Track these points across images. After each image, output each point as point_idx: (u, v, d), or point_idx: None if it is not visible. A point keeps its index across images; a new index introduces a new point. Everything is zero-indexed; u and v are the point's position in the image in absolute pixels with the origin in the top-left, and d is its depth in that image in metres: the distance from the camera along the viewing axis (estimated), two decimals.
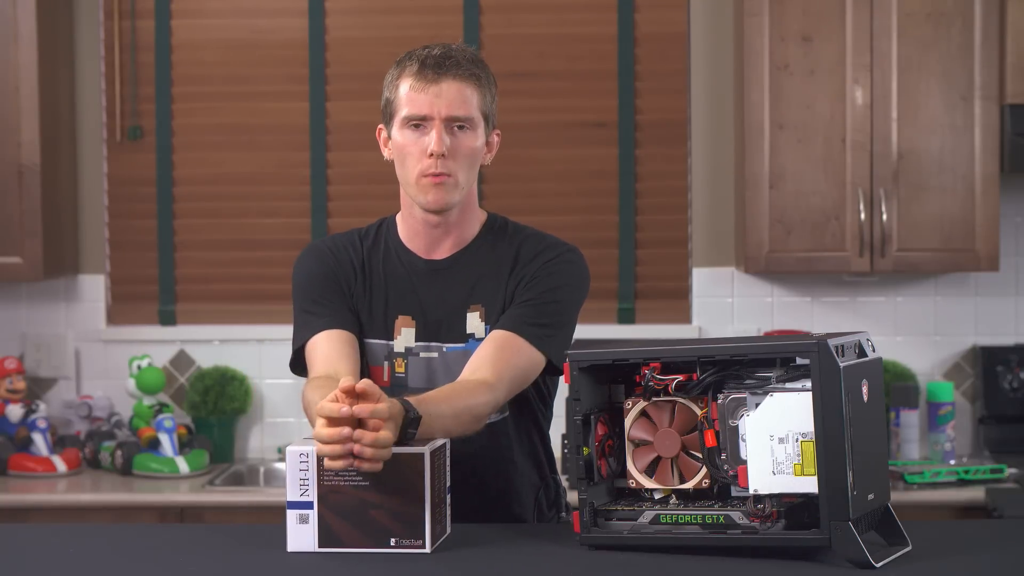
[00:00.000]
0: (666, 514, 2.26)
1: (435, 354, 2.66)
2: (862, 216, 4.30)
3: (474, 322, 2.66)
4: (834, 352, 2.15)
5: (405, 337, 2.66)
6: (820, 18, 4.29)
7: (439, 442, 2.37)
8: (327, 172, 4.66)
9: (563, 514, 2.81)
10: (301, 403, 2.60)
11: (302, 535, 2.31)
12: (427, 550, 2.29)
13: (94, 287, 4.69)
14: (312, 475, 2.30)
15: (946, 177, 4.31)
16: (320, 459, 2.28)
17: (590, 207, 4.64)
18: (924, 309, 4.63)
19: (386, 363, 2.66)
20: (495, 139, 2.71)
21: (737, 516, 2.22)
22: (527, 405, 2.72)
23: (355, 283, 2.71)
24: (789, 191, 4.33)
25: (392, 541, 2.29)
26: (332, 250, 2.73)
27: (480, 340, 2.63)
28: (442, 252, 2.70)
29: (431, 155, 2.58)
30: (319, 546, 2.30)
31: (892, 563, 2.18)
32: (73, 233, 4.65)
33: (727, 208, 4.62)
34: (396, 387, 2.65)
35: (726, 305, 4.65)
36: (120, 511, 4.14)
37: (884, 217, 4.29)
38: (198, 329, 4.68)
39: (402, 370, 2.66)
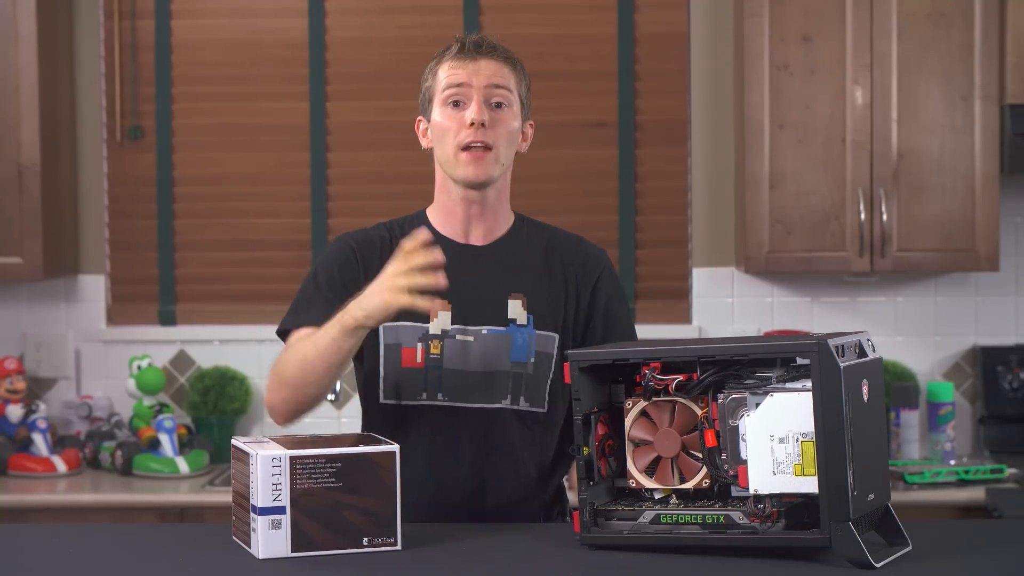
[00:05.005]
0: (666, 514, 2.26)
1: (471, 337, 2.66)
2: (862, 216, 4.30)
3: (516, 309, 2.68)
4: (834, 352, 2.14)
5: (441, 320, 2.66)
6: (820, 18, 4.29)
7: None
8: (327, 172, 4.66)
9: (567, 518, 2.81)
10: (280, 360, 2.68)
11: (274, 541, 2.26)
12: (399, 547, 2.28)
13: (94, 287, 4.69)
14: (285, 479, 2.28)
15: (946, 177, 4.30)
16: (293, 461, 2.28)
17: (590, 207, 4.64)
18: (924, 309, 4.63)
19: (420, 344, 2.66)
20: (529, 129, 2.78)
21: (737, 516, 2.22)
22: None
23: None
24: (789, 191, 4.33)
25: (364, 540, 2.28)
26: (359, 247, 2.73)
27: (522, 327, 2.67)
28: (478, 238, 2.73)
29: (471, 125, 2.63)
30: (292, 551, 2.26)
31: (892, 563, 2.18)
32: (73, 233, 4.65)
33: (727, 208, 4.62)
34: (431, 367, 2.66)
35: (726, 305, 4.65)
36: (120, 511, 4.13)
37: (884, 217, 4.29)
38: (198, 329, 4.68)
39: (437, 351, 2.66)
